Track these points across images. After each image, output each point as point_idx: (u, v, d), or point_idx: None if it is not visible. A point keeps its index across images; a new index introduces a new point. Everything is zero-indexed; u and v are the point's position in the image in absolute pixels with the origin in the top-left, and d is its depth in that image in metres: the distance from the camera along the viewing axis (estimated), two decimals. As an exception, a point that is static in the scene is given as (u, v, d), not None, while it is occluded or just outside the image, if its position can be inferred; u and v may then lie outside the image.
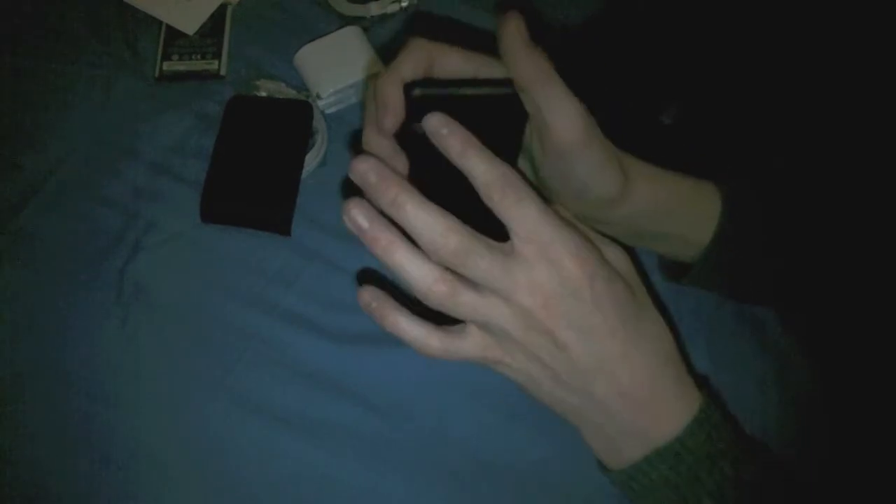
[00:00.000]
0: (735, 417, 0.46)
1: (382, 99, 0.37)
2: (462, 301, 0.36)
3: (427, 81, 0.37)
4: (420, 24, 0.66)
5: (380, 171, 0.36)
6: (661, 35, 0.60)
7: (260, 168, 0.58)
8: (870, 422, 0.50)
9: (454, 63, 0.39)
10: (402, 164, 0.39)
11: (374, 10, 0.67)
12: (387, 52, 0.64)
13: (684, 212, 0.43)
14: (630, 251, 0.41)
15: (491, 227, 0.36)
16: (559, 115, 0.36)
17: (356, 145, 0.61)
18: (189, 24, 0.67)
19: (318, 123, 0.60)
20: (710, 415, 0.40)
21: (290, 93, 0.62)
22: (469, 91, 0.37)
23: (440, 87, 0.37)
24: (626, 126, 0.60)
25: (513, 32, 0.36)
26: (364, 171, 0.36)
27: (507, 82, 0.37)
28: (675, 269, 0.49)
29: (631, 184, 0.40)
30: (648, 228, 0.43)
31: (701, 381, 0.41)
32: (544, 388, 0.39)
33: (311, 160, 0.59)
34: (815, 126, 0.54)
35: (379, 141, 0.39)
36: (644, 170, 0.42)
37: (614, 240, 0.41)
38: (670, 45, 0.59)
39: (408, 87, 0.37)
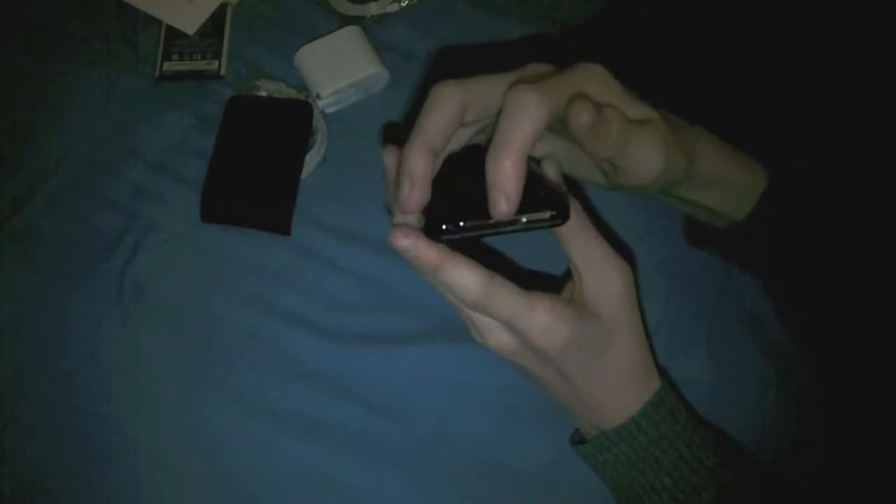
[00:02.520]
0: (692, 406, 0.49)
1: (409, 174, 0.35)
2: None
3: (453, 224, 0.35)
4: (420, 24, 0.66)
5: (417, 251, 0.36)
6: (662, 35, 0.60)
7: (260, 168, 0.58)
8: (870, 422, 0.50)
9: (487, 94, 0.36)
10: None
11: (373, 9, 0.67)
12: (387, 52, 0.64)
13: (729, 186, 0.45)
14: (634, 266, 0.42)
15: None
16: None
17: (357, 150, 0.61)
18: (189, 23, 0.67)
19: (318, 123, 0.60)
20: (666, 399, 0.43)
21: (290, 92, 0.62)
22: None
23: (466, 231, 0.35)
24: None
25: None
26: (404, 248, 0.36)
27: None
28: (699, 235, 0.51)
29: (691, 167, 0.41)
30: (689, 196, 0.44)
31: (662, 371, 0.45)
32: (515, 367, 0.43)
33: (311, 160, 0.59)
34: (818, 124, 0.54)
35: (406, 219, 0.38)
36: (699, 146, 0.42)
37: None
38: (671, 45, 0.59)
39: (433, 230, 0.35)
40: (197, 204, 0.57)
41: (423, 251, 0.35)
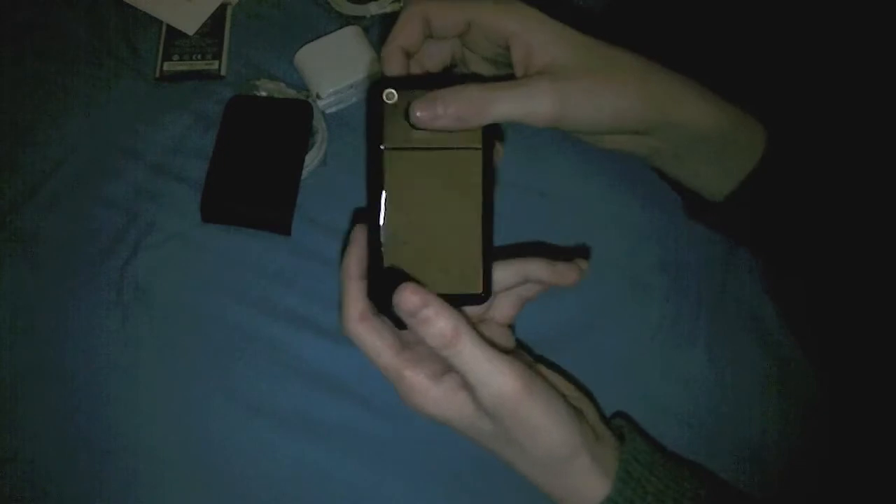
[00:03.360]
0: (666, 452, 0.48)
1: (387, 70, 0.43)
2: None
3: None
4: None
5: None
6: (664, 29, 0.60)
7: (260, 168, 0.58)
8: (871, 422, 0.50)
9: (448, 16, 0.42)
10: None
11: (373, 9, 0.67)
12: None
13: (725, 141, 0.44)
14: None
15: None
16: None
17: (357, 150, 0.61)
18: (189, 23, 0.67)
19: (318, 123, 0.60)
20: (627, 477, 0.41)
21: (290, 93, 0.62)
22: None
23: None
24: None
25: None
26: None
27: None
28: (698, 208, 0.50)
29: (669, 114, 0.41)
30: (685, 154, 0.44)
31: (621, 432, 0.44)
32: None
33: (311, 160, 0.59)
34: (822, 122, 0.54)
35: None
36: (686, 93, 0.42)
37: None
38: (672, 38, 0.59)
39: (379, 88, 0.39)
40: (197, 204, 0.57)
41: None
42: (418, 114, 0.38)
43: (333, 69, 0.62)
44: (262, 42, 0.66)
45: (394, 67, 0.43)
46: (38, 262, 0.57)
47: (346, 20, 0.66)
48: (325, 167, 0.60)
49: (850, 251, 0.49)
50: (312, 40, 0.63)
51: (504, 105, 0.39)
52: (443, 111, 0.38)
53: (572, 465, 0.41)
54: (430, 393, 0.39)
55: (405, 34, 0.42)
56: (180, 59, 0.65)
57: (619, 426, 0.46)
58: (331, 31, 0.64)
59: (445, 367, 0.40)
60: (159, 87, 0.64)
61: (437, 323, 0.37)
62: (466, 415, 0.40)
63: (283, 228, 0.57)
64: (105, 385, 0.52)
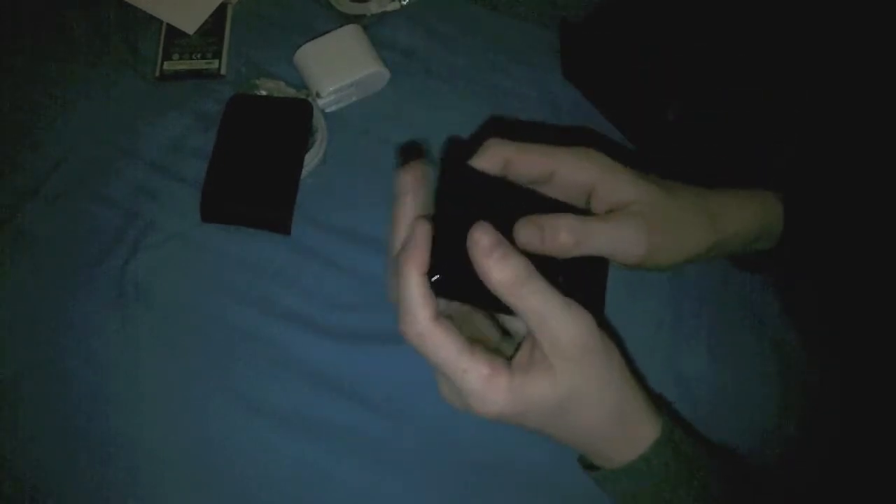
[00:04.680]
0: (700, 436, 0.47)
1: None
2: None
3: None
4: (420, 22, 0.66)
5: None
6: (665, 31, 0.60)
7: (260, 167, 0.58)
8: (872, 420, 0.49)
9: (531, 165, 0.40)
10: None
11: (374, 8, 0.66)
12: (387, 50, 0.64)
13: (755, 229, 0.46)
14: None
15: None
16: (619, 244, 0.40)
17: (357, 149, 0.61)
18: (189, 23, 0.67)
19: (318, 122, 0.60)
20: (669, 442, 0.41)
21: (290, 91, 0.62)
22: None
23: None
24: (632, 123, 0.60)
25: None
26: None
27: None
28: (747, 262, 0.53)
29: (726, 232, 0.44)
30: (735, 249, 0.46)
31: (661, 406, 0.42)
32: None
33: (311, 159, 0.59)
34: (821, 120, 0.54)
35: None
36: (732, 206, 0.44)
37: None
38: (674, 40, 0.59)
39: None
40: (197, 203, 0.57)
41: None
42: (522, 238, 0.38)
43: (333, 68, 0.62)
44: (262, 41, 0.66)
45: None
46: (38, 262, 0.57)
47: (347, 19, 0.66)
48: (325, 166, 0.60)
49: (858, 248, 0.49)
50: (312, 39, 0.63)
51: (600, 240, 0.39)
52: (550, 241, 0.38)
53: (633, 412, 0.40)
54: (515, 382, 0.37)
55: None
56: (180, 59, 0.65)
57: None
58: (331, 30, 0.64)
59: (505, 361, 0.39)
60: (159, 86, 0.64)
61: (511, 260, 0.36)
62: (544, 387, 0.38)
63: (283, 228, 0.57)
64: (105, 385, 0.52)
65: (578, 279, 0.39)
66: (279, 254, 0.57)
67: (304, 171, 0.59)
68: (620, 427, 0.40)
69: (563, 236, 0.38)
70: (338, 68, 0.62)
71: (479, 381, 0.36)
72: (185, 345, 0.54)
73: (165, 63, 0.65)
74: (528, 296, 0.36)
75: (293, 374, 0.53)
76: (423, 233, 0.36)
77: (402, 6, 0.67)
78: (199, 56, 0.65)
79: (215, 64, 0.65)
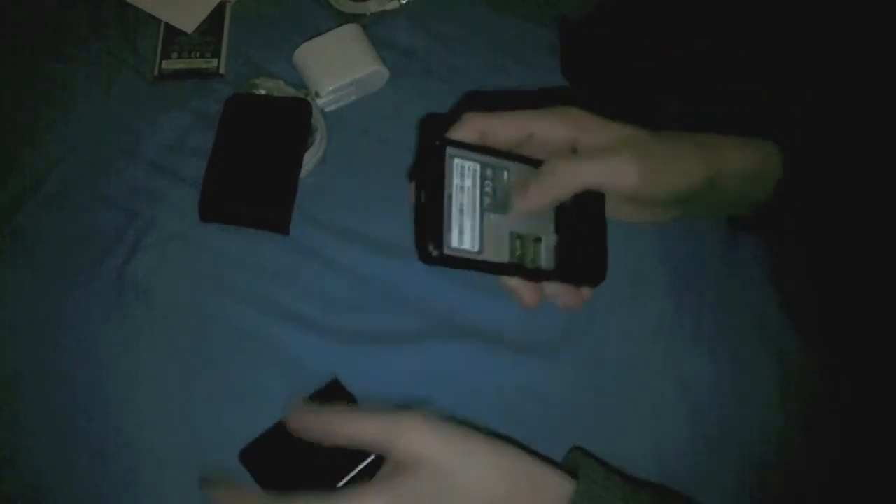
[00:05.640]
0: (623, 475, 0.46)
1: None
2: None
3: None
4: (419, 21, 0.66)
5: None
6: (665, 31, 0.60)
7: (259, 167, 0.58)
8: (873, 420, 0.49)
9: (507, 131, 0.40)
10: None
11: (373, 7, 0.66)
12: (387, 50, 0.64)
13: (751, 176, 0.44)
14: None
15: None
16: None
17: (357, 148, 0.61)
18: (188, 22, 0.67)
19: (317, 121, 0.60)
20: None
21: (289, 91, 0.62)
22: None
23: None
24: (630, 119, 0.60)
25: None
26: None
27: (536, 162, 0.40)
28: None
29: (723, 166, 0.42)
30: (732, 196, 0.45)
31: (575, 461, 0.43)
32: None
33: (310, 158, 0.59)
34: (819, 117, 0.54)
35: None
36: (726, 145, 0.43)
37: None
38: (674, 40, 0.59)
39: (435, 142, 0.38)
40: (196, 203, 0.57)
41: None
42: (518, 205, 0.39)
43: (332, 67, 0.62)
44: (261, 40, 0.66)
45: None
46: (38, 262, 0.57)
47: (346, 18, 0.66)
48: (324, 165, 0.60)
49: (858, 243, 0.49)
50: (311, 38, 0.63)
51: (590, 173, 0.40)
52: (539, 198, 0.39)
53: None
54: (380, 485, 0.38)
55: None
56: (179, 58, 0.65)
57: (574, 459, 0.45)
58: (330, 29, 0.64)
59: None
60: (158, 85, 0.64)
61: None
62: (412, 480, 0.38)
63: (282, 227, 0.57)
64: (105, 385, 0.52)
65: (580, 222, 0.41)
66: (279, 254, 0.57)
67: (304, 171, 0.59)
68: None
69: (551, 188, 0.39)
70: (337, 68, 0.62)
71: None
72: (185, 345, 0.54)
73: (164, 62, 0.65)
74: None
75: (292, 373, 0.53)
76: None
77: (401, 6, 0.67)
78: (198, 55, 0.65)
79: (214, 63, 0.65)
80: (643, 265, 0.55)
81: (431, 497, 0.38)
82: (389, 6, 0.67)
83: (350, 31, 0.63)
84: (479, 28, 0.66)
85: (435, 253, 0.36)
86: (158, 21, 0.67)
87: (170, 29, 0.66)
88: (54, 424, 0.51)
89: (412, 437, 0.38)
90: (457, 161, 0.38)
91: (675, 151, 0.42)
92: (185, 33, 0.66)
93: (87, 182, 0.60)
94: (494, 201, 0.39)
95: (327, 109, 0.62)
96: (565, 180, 0.39)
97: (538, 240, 0.40)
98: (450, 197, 0.37)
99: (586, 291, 0.43)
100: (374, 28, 0.65)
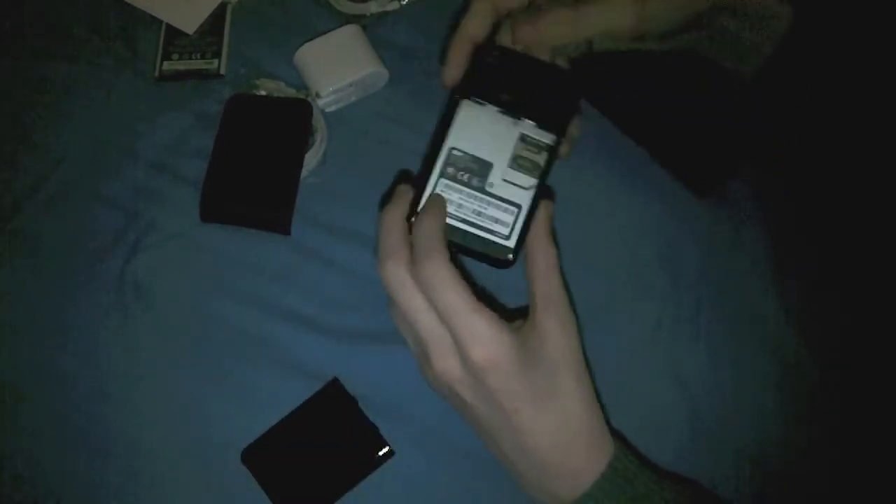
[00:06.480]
0: (653, 465, 0.47)
1: (448, 60, 0.46)
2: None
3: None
4: (420, 22, 0.66)
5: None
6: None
7: (259, 167, 0.58)
8: (873, 420, 0.49)
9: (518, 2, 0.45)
10: None
11: (373, 7, 0.66)
12: (387, 50, 0.64)
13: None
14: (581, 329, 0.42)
15: None
16: None
17: (357, 149, 0.61)
18: (189, 23, 0.67)
19: (318, 122, 0.60)
20: (621, 468, 0.41)
21: (290, 91, 0.62)
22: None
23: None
24: (630, 121, 0.60)
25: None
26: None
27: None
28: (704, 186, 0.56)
29: None
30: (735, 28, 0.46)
31: (614, 433, 0.44)
32: (465, 420, 0.44)
33: (311, 159, 0.59)
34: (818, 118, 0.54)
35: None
36: None
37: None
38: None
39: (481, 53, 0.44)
40: (196, 203, 0.57)
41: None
42: (519, 33, 0.43)
43: (333, 68, 0.62)
44: (261, 41, 0.66)
45: (460, 59, 0.46)
46: (38, 262, 0.57)
47: (346, 18, 0.66)
48: (325, 166, 0.60)
49: (857, 239, 0.49)
50: (312, 39, 0.63)
51: (593, 20, 0.43)
52: (544, 29, 0.43)
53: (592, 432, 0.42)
54: (520, 332, 0.39)
55: (474, 24, 0.46)
56: (180, 59, 0.65)
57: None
58: (330, 30, 0.64)
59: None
60: (159, 86, 0.64)
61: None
62: (551, 341, 0.40)
63: (283, 228, 0.57)
64: (105, 385, 0.52)
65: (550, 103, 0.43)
66: (279, 254, 0.57)
67: (304, 171, 0.59)
68: (590, 437, 0.41)
69: (557, 25, 0.43)
70: (337, 68, 0.62)
71: (488, 322, 0.37)
72: (185, 345, 0.54)
73: (165, 63, 0.65)
74: (545, 276, 0.41)
75: (293, 373, 0.53)
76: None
77: (401, 6, 0.67)
78: (198, 56, 0.65)
79: (215, 64, 0.65)
80: (643, 265, 0.56)
81: (539, 381, 0.39)
82: (390, 7, 0.67)
83: (350, 31, 0.63)
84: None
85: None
86: (159, 22, 0.67)
87: (170, 30, 0.66)
88: (54, 424, 0.51)
89: (553, 329, 0.40)
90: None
91: None
92: (185, 34, 0.66)
93: (87, 182, 0.60)
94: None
95: (328, 110, 0.63)
96: (565, 29, 0.43)
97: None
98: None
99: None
100: (375, 29, 0.65)
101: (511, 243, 0.41)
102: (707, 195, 0.56)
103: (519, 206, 0.42)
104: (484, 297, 0.40)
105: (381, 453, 0.50)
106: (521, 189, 0.42)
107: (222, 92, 0.63)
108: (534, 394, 0.39)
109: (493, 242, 0.41)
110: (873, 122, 0.49)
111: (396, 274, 0.39)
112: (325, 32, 0.63)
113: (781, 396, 0.52)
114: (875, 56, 0.48)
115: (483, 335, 0.38)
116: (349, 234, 0.57)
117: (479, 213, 0.41)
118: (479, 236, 0.41)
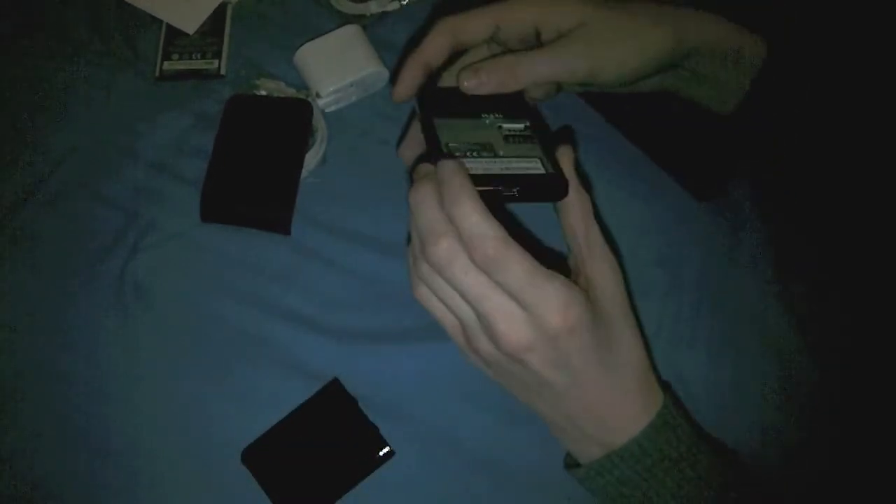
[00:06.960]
0: (696, 422, 0.48)
1: (400, 78, 0.46)
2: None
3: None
4: (420, 22, 0.66)
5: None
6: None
7: (259, 167, 0.58)
8: (871, 421, 0.49)
9: (475, 27, 0.45)
10: None
11: (373, 7, 0.66)
12: (387, 50, 0.64)
13: (728, 59, 0.46)
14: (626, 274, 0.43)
15: None
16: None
17: (357, 149, 0.61)
18: (189, 23, 0.67)
19: (318, 122, 0.60)
20: (669, 418, 0.42)
21: (290, 91, 0.62)
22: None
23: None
24: (631, 124, 0.60)
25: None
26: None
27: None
28: (705, 189, 0.56)
29: (686, 42, 0.45)
30: (705, 72, 0.47)
31: (665, 386, 0.44)
32: (514, 387, 0.43)
33: (311, 159, 0.59)
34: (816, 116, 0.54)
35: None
36: (695, 20, 0.46)
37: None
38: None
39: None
40: (197, 203, 0.57)
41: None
42: (465, 83, 0.44)
43: (333, 68, 0.62)
44: (261, 41, 0.66)
45: (408, 81, 0.46)
46: (38, 262, 0.57)
47: (346, 19, 0.66)
48: (325, 166, 0.60)
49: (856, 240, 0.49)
50: (312, 39, 0.63)
51: (541, 67, 0.43)
52: (486, 79, 0.43)
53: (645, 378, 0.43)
54: (579, 295, 0.38)
55: (430, 47, 0.45)
56: (180, 59, 0.65)
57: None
58: (331, 30, 0.64)
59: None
60: (159, 86, 0.64)
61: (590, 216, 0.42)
62: (608, 293, 0.41)
63: (283, 228, 0.57)
64: (105, 385, 0.52)
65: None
66: (279, 254, 0.57)
67: (304, 171, 0.59)
68: (643, 386, 0.42)
69: (501, 73, 0.43)
70: (338, 68, 0.62)
71: (563, 287, 0.37)
72: (185, 345, 0.54)
73: (165, 63, 0.65)
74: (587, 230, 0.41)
75: (293, 373, 0.53)
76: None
77: (401, 6, 0.67)
78: (198, 56, 0.65)
79: (215, 64, 0.65)
80: (643, 265, 0.55)
81: (601, 333, 0.40)
82: (390, 7, 0.67)
83: (351, 31, 0.63)
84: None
85: None
86: (159, 22, 0.67)
87: (171, 30, 0.67)
88: (54, 424, 0.51)
89: (606, 276, 0.41)
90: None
91: (637, 28, 0.44)
92: (185, 34, 0.66)
93: (87, 182, 0.60)
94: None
95: (328, 110, 0.63)
96: (506, 77, 0.44)
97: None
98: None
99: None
100: (375, 29, 0.65)
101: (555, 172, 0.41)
102: (707, 198, 0.56)
103: (539, 157, 0.42)
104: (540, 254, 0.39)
105: (381, 453, 0.50)
106: (530, 147, 0.42)
107: (222, 92, 0.63)
108: (597, 346, 0.39)
109: (540, 174, 0.41)
110: (873, 122, 0.49)
111: (456, 258, 0.37)
112: (325, 32, 0.63)
113: (781, 396, 0.52)
114: (875, 56, 0.48)
115: (561, 301, 0.37)
116: (349, 234, 0.57)
117: (507, 168, 0.41)
118: (523, 175, 0.40)
